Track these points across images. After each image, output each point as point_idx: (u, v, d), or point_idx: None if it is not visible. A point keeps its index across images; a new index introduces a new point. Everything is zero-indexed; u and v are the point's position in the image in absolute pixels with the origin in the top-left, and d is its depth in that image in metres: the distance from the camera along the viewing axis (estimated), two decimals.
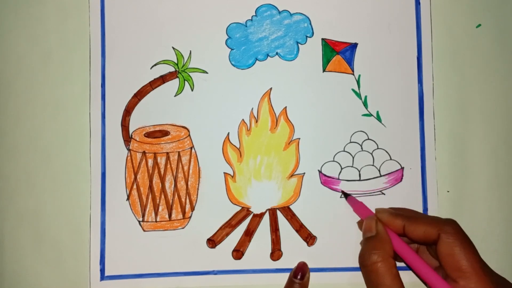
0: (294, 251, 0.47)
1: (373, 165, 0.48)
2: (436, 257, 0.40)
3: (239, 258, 0.47)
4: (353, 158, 0.48)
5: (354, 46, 0.48)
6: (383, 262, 0.37)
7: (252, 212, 0.48)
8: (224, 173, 0.48)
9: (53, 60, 0.48)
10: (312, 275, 0.46)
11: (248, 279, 0.47)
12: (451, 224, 0.38)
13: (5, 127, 0.48)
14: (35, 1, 0.48)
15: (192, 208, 0.47)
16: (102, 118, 0.48)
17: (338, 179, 0.47)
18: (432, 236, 0.38)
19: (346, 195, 0.46)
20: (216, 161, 0.48)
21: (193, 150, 0.48)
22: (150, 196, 0.47)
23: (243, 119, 0.48)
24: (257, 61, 0.48)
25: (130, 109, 0.48)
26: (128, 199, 0.47)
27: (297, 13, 0.48)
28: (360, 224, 0.46)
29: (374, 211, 0.43)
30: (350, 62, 0.48)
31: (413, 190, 0.47)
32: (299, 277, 0.44)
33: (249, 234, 0.47)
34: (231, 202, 0.47)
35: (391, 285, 0.36)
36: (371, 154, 0.48)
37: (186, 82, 0.48)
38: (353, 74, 0.48)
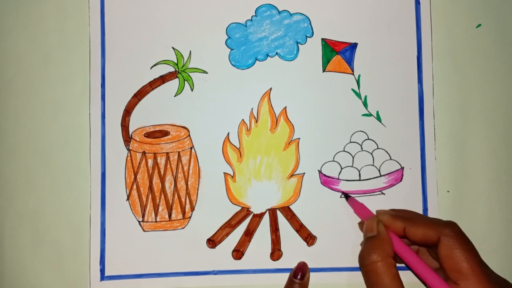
0: (294, 251, 0.47)
1: (373, 165, 0.48)
2: (436, 259, 0.40)
3: (239, 258, 0.47)
4: (353, 158, 0.48)
5: (354, 46, 0.48)
6: (382, 261, 0.37)
7: (252, 212, 0.48)
8: (224, 173, 0.48)
9: (53, 60, 0.48)
10: (312, 275, 0.46)
11: (248, 279, 0.47)
12: (451, 227, 0.38)
13: (5, 127, 0.48)
14: (35, 1, 0.48)
15: (192, 208, 0.47)
16: (102, 118, 0.48)
17: (338, 179, 0.47)
18: (432, 238, 0.38)
19: (346, 196, 0.46)
20: (216, 161, 0.48)
21: (193, 150, 0.48)
22: (150, 196, 0.47)
23: (243, 119, 0.48)
24: (257, 61, 0.48)
25: (130, 109, 0.48)
26: (128, 199, 0.47)
27: (297, 13, 0.48)
28: (361, 225, 0.46)
29: (374, 213, 0.43)
30: (350, 62, 0.48)
31: (413, 190, 0.47)
32: (299, 277, 0.44)
33: (249, 234, 0.47)
34: (231, 202, 0.47)
35: (390, 284, 0.36)
36: (371, 154, 0.48)
37: (186, 82, 0.48)
38: (353, 74, 0.48)
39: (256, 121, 0.48)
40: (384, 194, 0.47)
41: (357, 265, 0.46)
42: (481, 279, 0.36)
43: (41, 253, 0.47)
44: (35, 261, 0.47)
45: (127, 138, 0.48)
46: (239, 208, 0.47)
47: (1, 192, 0.47)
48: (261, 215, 0.48)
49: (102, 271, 0.47)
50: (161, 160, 0.48)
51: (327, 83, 0.48)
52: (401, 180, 0.48)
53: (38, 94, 0.48)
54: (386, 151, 0.48)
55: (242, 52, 0.48)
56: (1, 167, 0.48)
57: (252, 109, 0.48)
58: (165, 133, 0.48)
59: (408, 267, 0.40)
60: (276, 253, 0.47)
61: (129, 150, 0.48)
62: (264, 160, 0.48)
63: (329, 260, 0.47)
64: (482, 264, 0.37)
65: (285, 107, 0.48)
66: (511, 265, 0.46)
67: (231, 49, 0.48)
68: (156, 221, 0.47)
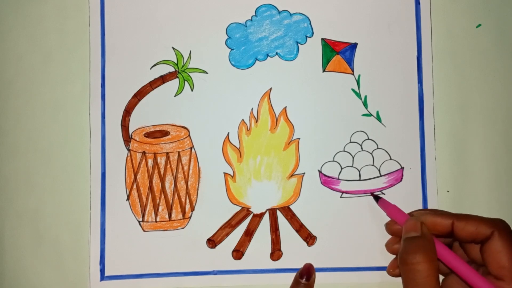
0: (294, 251, 0.47)
1: (373, 165, 0.48)
2: (472, 256, 0.40)
3: (239, 258, 0.47)
4: (353, 158, 0.48)
5: (354, 46, 0.48)
6: (428, 262, 0.36)
7: (252, 212, 0.48)
8: (224, 173, 0.48)
9: (53, 60, 0.48)
10: None
11: (248, 279, 0.47)
12: (505, 223, 0.38)
13: (5, 127, 0.48)
14: (35, 1, 0.48)
15: (192, 208, 0.47)
16: (102, 118, 0.48)
17: (338, 179, 0.47)
18: (484, 233, 0.37)
19: (376, 198, 0.45)
20: (216, 161, 0.48)
21: (193, 150, 0.48)
22: (150, 196, 0.47)
23: (243, 119, 0.48)
24: (257, 61, 0.48)
25: (130, 109, 0.48)
26: (128, 199, 0.47)
27: (297, 13, 0.48)
28: (388, 226, 0.44)
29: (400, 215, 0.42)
30: (350, 62, 0.48)
31: (413, 190, 0.47)
32: (304, 278, 0.44)
33: (249, 234, 0.47)
34: (231, 202, 0.47)
35: (435, 286, 0.36)
36: (371, 154, 0.48)
37: (186, 82, 0.48)
38: (353, 74, 0.48)
39: (256, 121, 0.48)
40: (384, 194, 0.47)
41: (357, 265, 0.46)
42: None
43: (41, 253, 0.47)
44: (35, 261, 0.47)
45: (127, 138, 0.48)
46: (239, 208, 0.47)
47: (1, 192, 0.48)
48: (261, 215, 0.48)
49: (102, 271, 0.47)
50: (161, 160, 0.48)
51: (327, 83, 0.48)
52: (401, 180, 0.48)
53: (38, 94, 0.48)
54: (386, 151, 0.48)
55: (242, 52, 0.48)
56: (1, 167, 0.48)
57: (252, 109, 0.48)
58: (165, 133, 0.48)
59: (450, 270, 0.39)
60: (276, 253, 0.47)
61: (129, 150, 0.48)
62: (264, 160, 0.48)
63: (329, 260, 0.47)
64: None
65: (285, 107, 0.48)
66: None
67: (231, 49, 0.48)
68: (156, 221, 0.47)
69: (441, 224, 0.39)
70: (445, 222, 0.39)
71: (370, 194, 0.47)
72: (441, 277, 0.40)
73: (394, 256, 0.43)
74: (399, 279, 0.38)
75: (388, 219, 0.43)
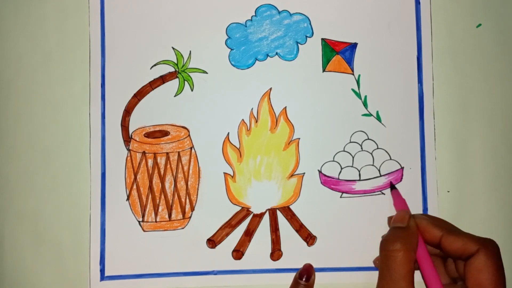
0: (294, 251, 0.47)
1: (373, 165, 0.48)
2: (450, 274, 0.41)
3: (239, 258, 0.47)
4: (353, 158, 0.48)
5: (354, 46, 0.48)
6: (405, 252, 0.37)
7: (252, 212, 0.48)
8: (224, 173, 0.48)
9: (53, 60, 0.48)
10: None
11: (248, 279, 0.47)
12: (493, 242, 0.38)
13: (5, 127, 0.48)
14: (35, 1, 0.48)
15: (192, 208, 0.47)
16: (102, 118, 0.48)
17: (338, 179, 0.47)
18: (470, 250, 0.38)
19: (392, 187, 0.46)
20: (216, 161, 0.48)
21: (193, 150, 0.48)
22: (150, 196, 0.47)
23: (243, 119, 0.48)
24: (257, 61, 0.48)
25: (130, 109, 0.48)
26: (128, 199, 0.47)
27: (296, 13, 0.48)
28: (391, 219, 0.45)
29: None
30: (350, 62, 0.48)
31: (413, 190, 0.47)
32: (304, 278, 0.44)
33: (249, 234, 0.47)
34: (231, 202, 0.47)
35: (405, 276, 0.36)
36: (371, 154, 0.48)
37: (186, 82, 0.48)
38: (353, 74, 0.48)
39: (256, 121, 0.48)
40: (384, 194, 0.47)
41: (357, 265, 0.46)
42: None
43: (41, 253, 0.47)
44: (35, 261, 0.47)
45: (127, 138, 0.48)
46: (239, 208, 0.47)
47: (1, 192, 0.48)
48: (261, 215, 0.48)
49: (102, 271, 0.47)
50: (161, 160, 0.48)
51: (327, 83, 0.48)
52: (401, 180, 0.48)
53: (38, 94, 0.48)
54: (386, 151, 0.48)
55: (242, 52, 0.48)
56: (1, 167, 0.48)
57: (252, 109, 0.48)
58: (165, 133, 0.48)
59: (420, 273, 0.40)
60: (276, 253, 0.47)
61: (129, 150, 0.48)
62: (264, 160, 0.48)
63: (329, 260, 0.47)
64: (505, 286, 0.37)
65: (285, 107, 0.48)
66: (511, 265, 0.46)
67: (231, 49, 0.48)
68: (156, 221, 0.47)
69: (430, 233, 0.40)
70: (435, 233, 0.40)
71: (389, 182, 0.47)
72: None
73: None
74: None
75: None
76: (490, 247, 0.38)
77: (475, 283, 0.37)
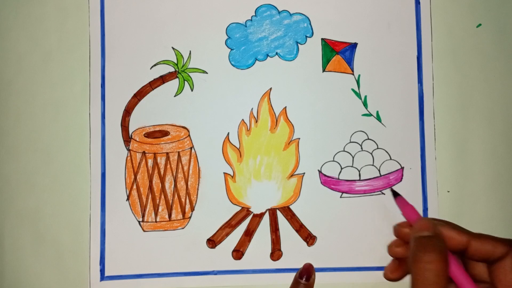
0: (294, 251, 0.47)
1: (373, 165, 0.48)
2: (470, 272, 0.40)
3: (239, 258, 0.47)
4: (353, 158, 0.48)
5: (354, 46, 0.48)
6: (441, 263, 0.36)
7: (252, 212, 0.48)
8: (224, 173, 0.48)
9: (53, 60, 0.48)
10: None
11: (248, 279, 0.47)
12: None
13: (5, 127, 0.48)
14: (35, 1, 0.48)
15: (192, 208, 0.47)
16: (102, 118, 0.48)
17: (338, 179, 0.47)
18: (499, 253, 0.37)
19: (395, 194, 0.45)
20: (216, 161, 0.48)
21: (193, 150, 0.48)
22: (150, 196, 0.47)
23: (243, 119, 0.48)
24: (257, 61, 0.48)
25: (130, 109, 0.48)
26: (128, 199, 0.47)
27: (296, 13, 0.48)
28: (398, 228, 0.43)
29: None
30: (350, 62, 0.48)
31: (413, 190, 0.47)
32: (304, 278, 0.44)
33: (249, 234, 0.47)
34: (231, 202, 0.47)
35: (445, 286, 0.35)
36: (371, 154, 0.48)
37: (185, 82, 0.48)
38: (352, 74, 0.48)
39: (256, 121, 0.48)
40: (384, 194, 0.47)
41: (357, 265, 0.46)
42: None
43: (41, 253, 0.47)
44: (35, 261, 0.47)
45: (127, 138, 0.48)
46: (239, 208, 0.47)
47: (1, 192, 0.48)
48: (261, 215, 0.48)
49: (102, 271, 0.47)
50: (161, 160, 0.48)
51: (327, 83, 0.48)
52: (401, 180, 0.48)
53: (38, 94, 0.48)
54: (386, 151, 0.48)
55: (242, 52, 0.48)
56: (1, 167, 0.48)
57: (252, 109, 0.48)
58: (165, 133, 0.48)
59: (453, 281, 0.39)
60: (276, 253, 0.47)
61: (129, 150, 0.48)
62: (264, 160, 0.48)
63: (329, 260, 0.47)
64: None
65: (285, 107, 0.48)
66: None
67: (231, 49, 0.48)
68: (156, 221, 0.47)
69: (456, 239, 0.39)
70: (461, 238, 0.38)
71: (390, 189, 0.46)
72: None
73: (392, 259, 0.43)
74: None
75: (390, 218, 0.43)
76: None
77: (508, 284, 0.37)
